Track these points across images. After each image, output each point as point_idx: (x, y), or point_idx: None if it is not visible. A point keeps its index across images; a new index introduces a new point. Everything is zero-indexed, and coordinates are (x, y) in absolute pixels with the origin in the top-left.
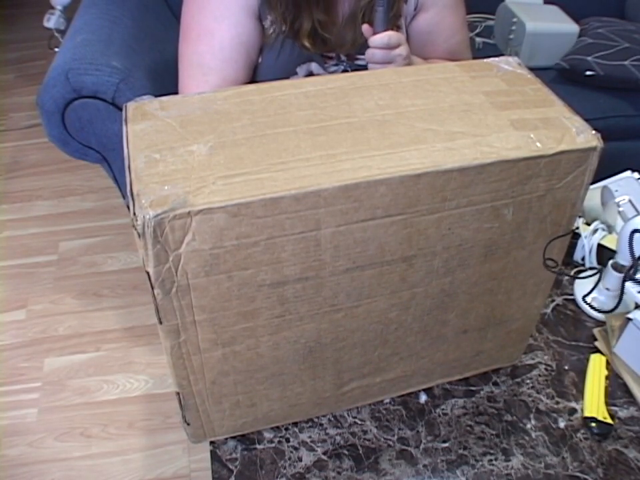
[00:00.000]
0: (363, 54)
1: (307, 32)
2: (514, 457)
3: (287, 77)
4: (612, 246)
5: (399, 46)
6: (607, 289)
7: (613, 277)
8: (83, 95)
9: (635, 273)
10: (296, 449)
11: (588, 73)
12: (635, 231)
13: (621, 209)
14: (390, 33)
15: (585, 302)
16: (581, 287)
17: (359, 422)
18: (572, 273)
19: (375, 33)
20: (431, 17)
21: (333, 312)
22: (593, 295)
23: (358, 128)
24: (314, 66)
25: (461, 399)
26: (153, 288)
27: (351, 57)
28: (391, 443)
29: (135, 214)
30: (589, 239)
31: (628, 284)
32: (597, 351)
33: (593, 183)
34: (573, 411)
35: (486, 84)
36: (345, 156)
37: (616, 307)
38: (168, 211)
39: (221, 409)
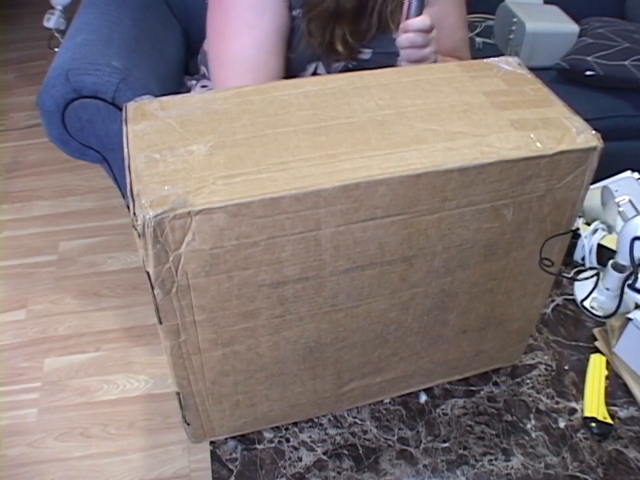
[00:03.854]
0: (367, 48)
1: (340, 38)
2: (514, 456)
3: (298, 73)
4: (612, 246)
5: (433, 29)
6: (607, 289)
7: (613, 277)
8: (83, 94)
9: (635, 281)
10: (296, 449)
11: (588, 73)
12: (636, 238)
13: (620, 209)
14: (427, 16)
15: (583, 307)
16: (581, 287)
17: (359, 422)
18: (572, 273)
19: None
20: (435, 12)
21: (332, 312)
22: (593, 295)
23: (358, 128)
24: (320, 65)
25: (460, 399)
26: (152, 288)
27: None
28: (390, 442)
29: (134, 214)
30: (589, 239)
31: (627, 291)
32: (597, 350)
33: (593, 183)
34: (573, 410)
35: (486, 84)
36: (344, 156)
37: (616, 311)
38: (168, 211)
39: (221, 408)
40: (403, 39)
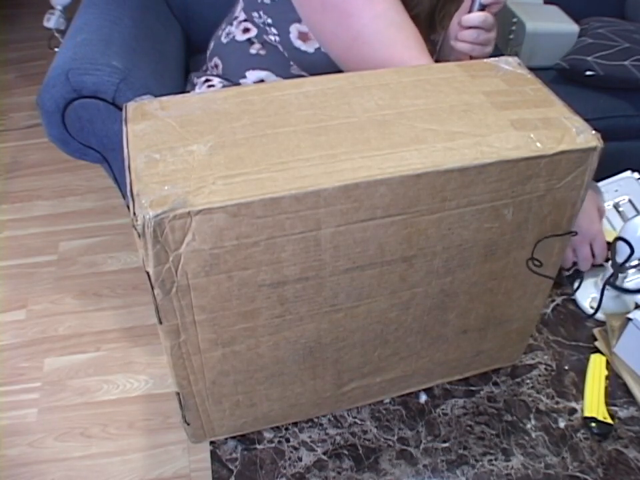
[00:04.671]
0: None
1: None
2: (514, 456)
3: None
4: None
5: (494, 28)
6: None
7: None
8: (83, 94)
9: (615, 280)
10: (296, 449)
11: (588, 73)
12: (618, 238)
13: (621, 209)
14: (489, 14)
15: (576, 305)
16: (581, 287)
17: (359, 422)
18: (568, 273)
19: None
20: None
21: (332, 312)
22: (593, 294)
23: (358, 128)
24: None
25: (460, 399)
26: (152, 288)
27: None
28: (390, 443)
29: (135, 214)
30: None
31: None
32: (597, 350)
33: None
34: (573, 410)
35: (486, 84)
36: (344, 156)
37: (598, 308)
38: (168, 211)
39: (221, 408)
40: (466, 33)
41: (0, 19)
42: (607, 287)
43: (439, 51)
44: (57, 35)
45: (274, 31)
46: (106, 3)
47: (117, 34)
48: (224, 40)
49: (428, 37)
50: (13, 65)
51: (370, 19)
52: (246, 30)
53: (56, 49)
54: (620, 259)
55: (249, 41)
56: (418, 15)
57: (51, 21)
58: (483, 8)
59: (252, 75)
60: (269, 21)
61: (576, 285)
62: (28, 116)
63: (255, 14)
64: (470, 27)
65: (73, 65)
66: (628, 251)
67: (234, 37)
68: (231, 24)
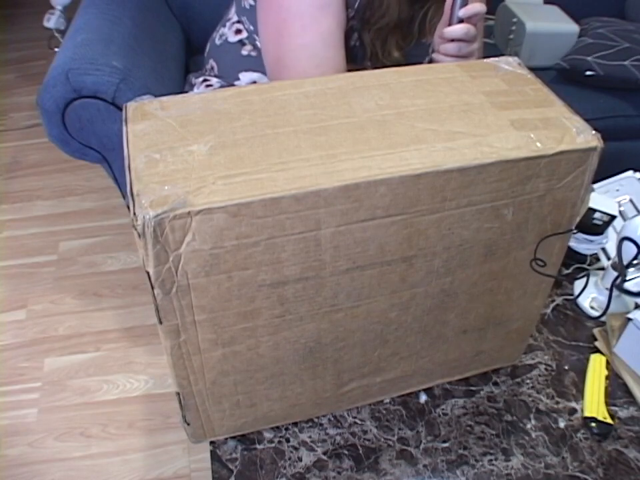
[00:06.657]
0: None
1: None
2: (514, 456)
3: None
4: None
5: (476, 40)
6: (607, 288)
7: (612, 277)
8: (83, 94)
9: (622, 282)
10: (296, 449)
11: (588, 73)
12: (625, 238)
13: (622, 209)
14: (471, 26)
15: (576, 305)
16: (581, 287)
17: (359, 422)
18: (570, 272)
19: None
20: None
21: (333, 312)
22: (593, 294)
23: (358, 128)
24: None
25: (460, 399)
26: (152, 288)
27: None
28: (390, 442)
29: (135, 214)
30: None
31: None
32: (597, 350)
33: (593, 183)
34: (573, 410)
35: (486, 84)
36: (344, 156)
37: (605, 310)
38: (168, 211)
39: (221, 408)
40: (449, 47)
41: (0, 19)
42: (615, 288)
43: (431, 53)
44: (56, 34)
45: (257, 37)
46: (106, 3)
47: (117, 34)
48: (217, 42)
49: (419, 42)
50: (13, 65)
51: (297, 46)
52: (238, 31)
53: (56, 49)
54: (624, 259)
55: (241, 42)
56: (382, 28)
57: (51, 21)
58: (461, 20)
59: (245, 77)
60: (251, 27)
61: (578, 289)
62: (28, 116)
63: (244, 18)
64: (452, 40)
65: (72, 64)
66: (633, 251)
67: (227, 38)
68: (224, 25)
